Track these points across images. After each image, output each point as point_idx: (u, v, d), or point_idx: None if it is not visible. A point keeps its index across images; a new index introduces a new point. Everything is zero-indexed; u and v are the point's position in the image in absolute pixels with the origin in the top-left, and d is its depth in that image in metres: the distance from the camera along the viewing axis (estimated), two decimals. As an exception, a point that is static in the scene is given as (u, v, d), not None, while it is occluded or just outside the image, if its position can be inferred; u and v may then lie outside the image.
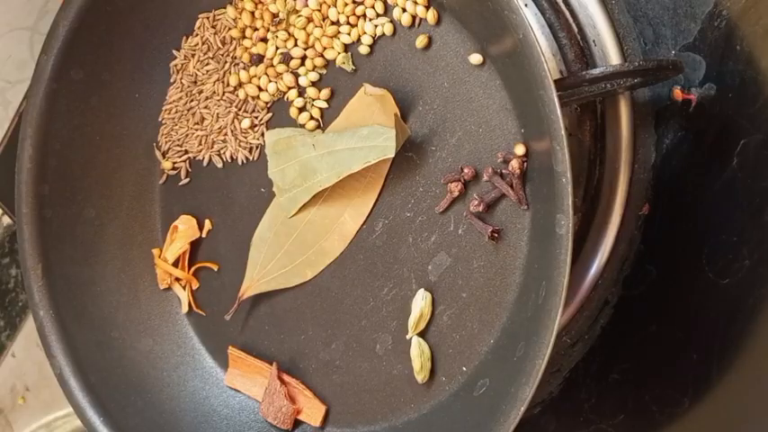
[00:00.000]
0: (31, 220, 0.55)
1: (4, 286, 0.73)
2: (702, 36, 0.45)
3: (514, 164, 0.44)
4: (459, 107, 0.47)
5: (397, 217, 0.49)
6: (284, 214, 0.52)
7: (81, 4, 0.53)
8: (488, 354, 0.46)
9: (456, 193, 0.47)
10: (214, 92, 0.55)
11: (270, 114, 0.54)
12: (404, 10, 0.49)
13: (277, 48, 0.53)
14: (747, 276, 0.44)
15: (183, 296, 0.57)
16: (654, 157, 0.48)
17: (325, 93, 0.52)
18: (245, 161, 0.55)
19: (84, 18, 0.54)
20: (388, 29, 0.50)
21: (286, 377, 0.52)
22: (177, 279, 0.57)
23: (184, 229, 0.56)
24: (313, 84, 0.52)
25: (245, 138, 0.55)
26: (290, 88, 0.53)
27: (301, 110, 0.53)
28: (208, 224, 0.56)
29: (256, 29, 0.54)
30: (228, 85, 0.55)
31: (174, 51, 0.57)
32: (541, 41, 0.46)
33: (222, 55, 0.55)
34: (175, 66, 0.57)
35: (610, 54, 0.48)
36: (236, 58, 0.55)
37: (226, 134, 0.55)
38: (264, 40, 0.53)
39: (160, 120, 0.57)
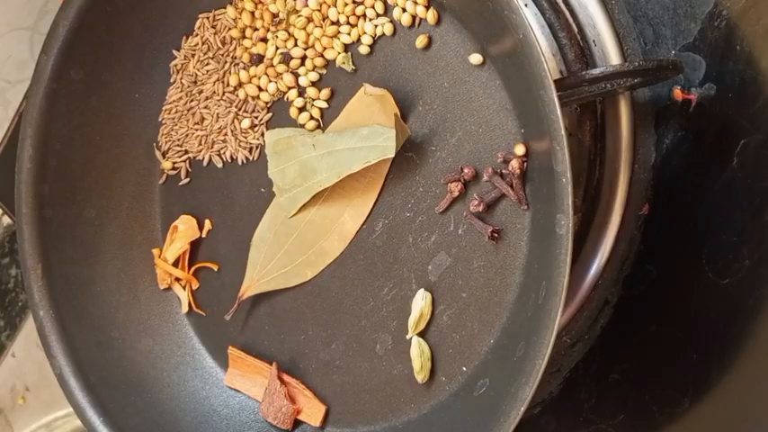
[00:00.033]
0: (31, 220, 0.55)
1: (4, 286, 0.73)
2: (702, 36, 0.45)
3: (514, 164, 0.44)
4: (459, 107, 0.47)
5: (397, 217, 0.49)
6: (284, 214, 0.52)
7: (81, 4, 0.53)
8: (488, 354, 0.46)
9: (456, 193, 0.47)
10: (214, 92, 0.55)
11: (270, 114, 0.54)
12: (404, 10, 0.49)
13: (277, 48, 0.53)
14: (747, 276, 0.44)
15: (183, 296, 0.57)
16: (654, 157, 0.48)
17: (325, 93, 0.52)
18: (245, 161, 0.55)
19: (84, 18, 0.54)
20: (388, 29, 0.50)
21: (286, 377, 0.52)
22: (177, 279, 0.57)
23: (184, 229, 0.56)
24: (313, 84, 0.52)
25: (245, 138, 0.55)
26: (290, 88, 0.53)
27: (301, 110, 0.53)
28: (208, 224, 0.56)
29: (256, 29, 0.54)
30: (228, 85, 0.55)
31: (174, 51, 0.57)
32: (541, 41, 0.46)
33: (222, 55, 0.55)
34: (175, 66, 0.57)
35: (610, 54, 0.48)
36: (236, 58, 0.55)
37: (226, 134, 0.55)
38: (264, 40, 0.53)
39: (160, 120, 0.57)
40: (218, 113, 0.55)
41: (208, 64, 0.56)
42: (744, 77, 0.44)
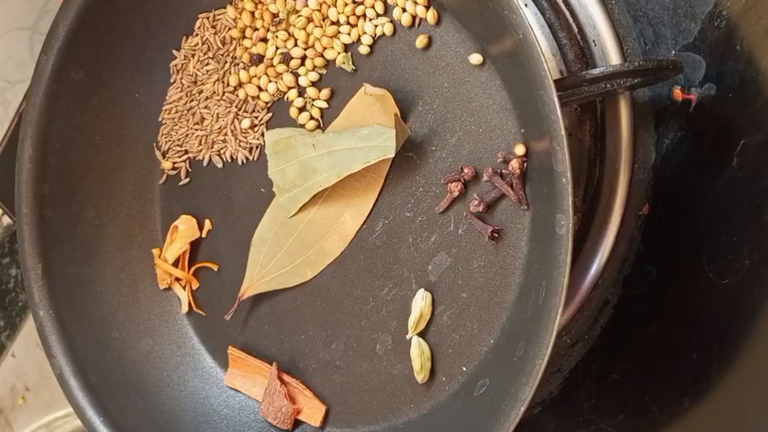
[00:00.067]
0: (31, 220, 0.55)
1: (4, 286, 0.73)
2: (702, 36, 0.45)
3: (514, 164, 0.44)
4: (459, 107, 0.47)
5: (397, 217, 0.49)
6: (284, 214, 0.52)
7: (81, 4, 0.53)
8: (488, 354, 0.46)
9: (456, 193, 0.47)
10: (214, 92, 0.55)
11: (270, 114, 0.54)
12: (404, 10, 0.49)
13: (277, 48, 0.53)
14: (747, 276, 0.44)
15: (183, 296, 0.57)
16: (654, 157, 0.48)
17: (325, 93, 0.52)
18: (245, 161, 0.55)
19: (84, 18, 0.54)
20: (388, 29, 0.50)
21: (286, 377, 0.52)
22: (177, 279, 0.57)
23: (184, 229, 0.56)
24: (313, 84, 0.52)
25: (245, 138, 0.55)
26: (290, 88, 0.53)
27: (301, 110, 0.53)
28: (208, 224, 0.56)
29: (256, 29, 0.54)
30: (228, 85, 0.55)
31: (174, 51, 0.57)
32: (541, 41, 0.46)
33: (222, 55, 0.55)
34: (175, 66, 0.57)
35: (610, 54, 0.48)
36: (236, 58, 0.55)
37: (226, 134, 0.55)
38: (264, 40, 0.53)
39: (160, 120, 0.57)
40: (218, 113, 0.55)
41: (208, 64, 0.56)
42: (744, 77, 0.44)
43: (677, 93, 0.47)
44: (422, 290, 0.48)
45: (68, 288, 0.56)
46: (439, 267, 0.48)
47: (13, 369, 0.76)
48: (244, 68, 0.54)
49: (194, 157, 0.57)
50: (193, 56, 0.56)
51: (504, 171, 0.45)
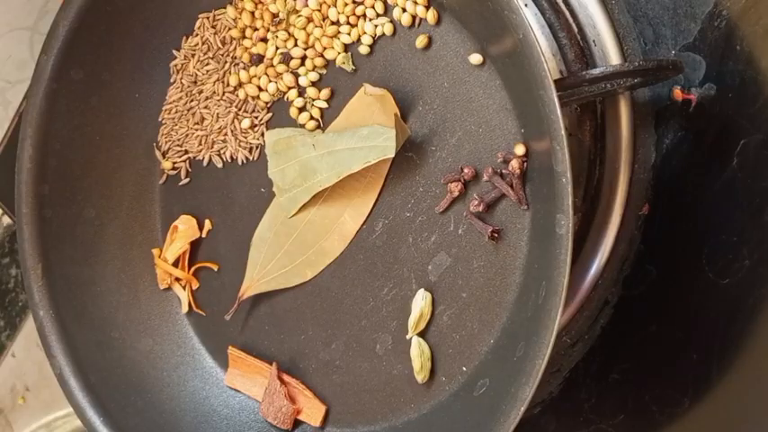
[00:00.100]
0: (31, 220, 0.55)
1: (4, 286, 0.73)
2: (702, 36, 0.45)
3: (514, 164, 0.44)
4: (459, 107, 0.47)
5: (397, 217, 0.49)
6: (284, 214, 0.52)
7: (81, 4, 0.53)
8: (488, 354, 0.46)
9: (456, 193, 0.47)
10: (214, 92, 0.55)
11: (270, 114, 0.54)
12: (404, 10, 0.49)
13: (277, 48, 0.53)
14: (747, 276, 0.44)
15: (183, 296, 0.57)
16: (654, 157, 0.48)
17: (325, 93, 0.52)
18: (245, 161, 0.55)
19: (84, 18, 0.54)
20: (388, 29, 0.50)
21: (286, 377, 0.52)
22: (177, 279, 0.57)
23: (184, 229, 0.56)
24: (313, 84, 0.52)
25: (245, 138, 0.55)
26: (290, 88, 0.53)
27: (301, 110, 0.53)
28: (208, 224, 0.56)
29: (256, 29, 0.54)
30: (228, 85, 0.55)
31: (174, 51, 0.57)
32: (541, 41, 0.46)
33: (222, 55, 0.55)
34: (175, 66, 0.57)
35: (610, 54, 0.48)
36: (236, 58, 0.55)
37: (226, 134, 0.55)
38: (264, 40, 0.53)
39: (160, 120, 0.57)
40: (218, 113, 0.55)
41: (208, 64, 0.56)
42: (744, 77, 0.44)
43: (677, 93, 0.47)
44: (422, 290, 0.48)
45: (68, 288, 0.56)
46: (439, 267, 0.48)
47: (13, 369, 0.76)
48: (244, 68, 0.54)
49: (194, 157, 0.57)
50: (193, 56, 0.56)
51: (504, 171, 0.45)
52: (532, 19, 0.48)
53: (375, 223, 0.50)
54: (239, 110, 0.55)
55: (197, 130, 0.56)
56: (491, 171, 0.45)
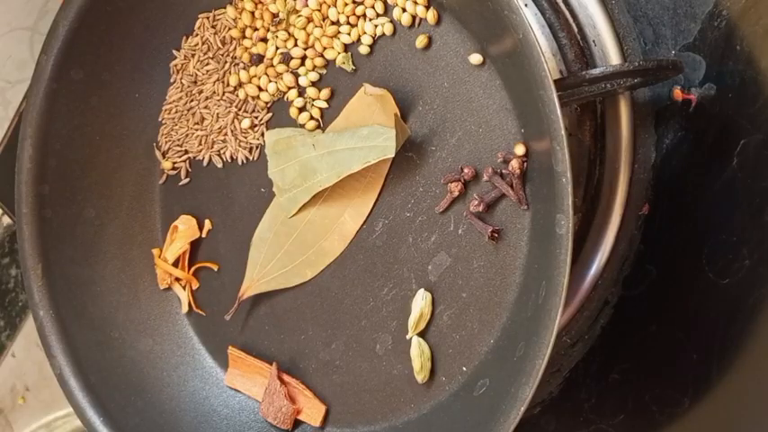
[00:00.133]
0: (31, 220, 0.55)
1: (4, 286, 0.73)
2: (702, 36, 0.45)
3: (514, 164, 0.44)
4: (459, 107, 0.47)
5: (397, 217, 0.49)
6: (284, 214, 0.52)
7: (81, 4, 0.53)
8: (488, 354, 0.46)
9: (456, 193, 0.47)
10: (214, 92, 0.55)
11: (270, 114, 0.54)
12: (404, 10, 0.49)
13: (277, 48, 0.53)
14: (747, 276, 0.44)
15: (183, 296, 0.57)
16: (654, 157, 0.48)
17: (325, 93, 0.52)
18: (245, 161, 0.55)
19: (84, 18, 0.54)
20: (388, 29, 0.50)
21: (286, 377, 0.52)
22: (177, 279, 0.57)
23: (184, 229, 0.56)
24: (313, 84, 0.52)
25: (245, 138, 0.55)
26: (290, 88, 0.53)
27: (301, 110, 0.53)
28: (208, 224, 0.56)
29: (256, 29, 0.54)
30: (228, 85, 0.55)
31: (174, 51, 0.57)
32: (541, 41, 0.46)
33: (222, 55, 0.55)
34: (175, 66, 0.57)
35: (610, 54, 0.48)
36: (236, 58, 0.55)
37: (226, 134, 0.55)
38: (264, 40, 0.53)
39: (160, 120, 0.57)
40: (218, 113, 0.55)
41: (208, 64, 0.56)
42: (744, 77, 0.44)
43: (677, 93, 0.47)
44: (422, 290, 0.48)
45: (68, 288, 0.56)
46: (439, 267, 0.48)
47: (13, 369, 0.76)
48: (244, 68, 0.54)
49: (194, 157, 0.57)
50: (193, 56, 0.56)
51: (504, 171, 0.45)
52: (532, 19, 0.48)
53: (375, 223, 0.50)
54: (239, 110, 0.55)
55: (197, 130, 0.56)
56: (491, 171, 0.45)
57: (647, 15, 0.47)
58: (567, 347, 0.51)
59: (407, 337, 0.48)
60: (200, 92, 0.56)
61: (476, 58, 0.46)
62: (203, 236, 0.56)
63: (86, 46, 0.55)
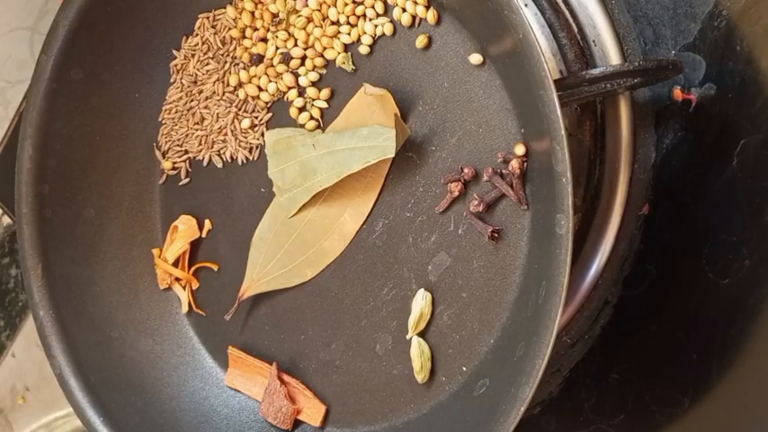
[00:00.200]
0: (31, 220, 0.55)
1: (4, 286, 0.73)
2: (702, 36, 0.45)
3: (514, 164, 0.44)
4: (459, 107, 0.47)
5: (397, 217, 0.49)
6: (284, 214, 0.52)
7: (81, 4, 0.53)
8: (488, 354, 0.46)
9: (456, 193, 0.47)
10: (214, 92, 0.55)
11: (270, 114, 0.54)
12: (404, 10, 0.49)
13: (277, 48, 0.53)
14: (747, 276, 0.44)
15: (183, 296, 0.57)
16: (654, 157, 0.48)
17: (325, 93, 0.52)
18: (245, 161, 0.55)
19: (84, 18, 0.54)
20: (388, 29, 0.50)
21: (286, 377, 0.52)
22: (177, 279, 0.57)
23: (184, 229, 0.56)
24: (313, 84, 0.52)
25: (245, 138, 0.55)
26: (290, 88, 0.53)
27: (301, 110, 0.53)
28: (208, 224, 0.56)
29: (256, 29, 0.54)
30: (228, 85, 0.55)
31: (174, 51, 0.57)
32: (541, 41, 0.46)
33: (222, 55, 0.55)
34: (175, 66, 0.57)
35: (610, 54, 0.48)
36: (236, 58, 0.55)
37: (226, 134, 0.55)
38: (264, 40, 0.53)
39: (160, 120, 0.57)
40: (218, 113, 0.55)
41: (208, 64, 0.56)
42: (744, 77, 0.44)
43: (677, 93, 0.47)
44: (422, 290, 0.48)
45: (68, 288, 0.56)
46: (439, 267, 0.48)
47: (13, 369, 0.76)
48: (244, 68, 0.54)
49: (194, 157, 0.57)
50: (193, 56, 0.56)
51: (504, 171, 0.45)
52: (532, 19, 0.48)
53: (375, 223, 0.50)
54: (239, 110, 0.55)
55: (197, 130, 0.56)
56: (491, 171, 0.45)
57: (647, 15, 0.47)
58: (567, 347, 0.51)
59: (407, 337, 0.48)
60: (200, 92, 0.56)
61: (476, 58, 0.46)
62: (203, 236, 0.56)
63: (86, 46, 0.55)
